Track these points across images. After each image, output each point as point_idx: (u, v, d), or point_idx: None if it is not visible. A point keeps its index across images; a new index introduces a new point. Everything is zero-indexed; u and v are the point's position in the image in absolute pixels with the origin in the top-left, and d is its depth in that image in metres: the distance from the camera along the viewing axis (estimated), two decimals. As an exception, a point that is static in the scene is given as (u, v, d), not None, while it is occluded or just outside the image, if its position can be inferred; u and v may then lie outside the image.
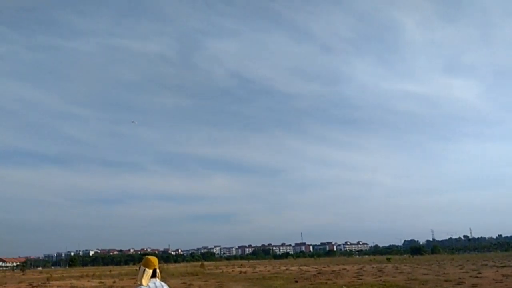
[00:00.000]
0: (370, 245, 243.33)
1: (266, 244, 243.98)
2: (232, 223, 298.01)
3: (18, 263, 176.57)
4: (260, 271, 50.32)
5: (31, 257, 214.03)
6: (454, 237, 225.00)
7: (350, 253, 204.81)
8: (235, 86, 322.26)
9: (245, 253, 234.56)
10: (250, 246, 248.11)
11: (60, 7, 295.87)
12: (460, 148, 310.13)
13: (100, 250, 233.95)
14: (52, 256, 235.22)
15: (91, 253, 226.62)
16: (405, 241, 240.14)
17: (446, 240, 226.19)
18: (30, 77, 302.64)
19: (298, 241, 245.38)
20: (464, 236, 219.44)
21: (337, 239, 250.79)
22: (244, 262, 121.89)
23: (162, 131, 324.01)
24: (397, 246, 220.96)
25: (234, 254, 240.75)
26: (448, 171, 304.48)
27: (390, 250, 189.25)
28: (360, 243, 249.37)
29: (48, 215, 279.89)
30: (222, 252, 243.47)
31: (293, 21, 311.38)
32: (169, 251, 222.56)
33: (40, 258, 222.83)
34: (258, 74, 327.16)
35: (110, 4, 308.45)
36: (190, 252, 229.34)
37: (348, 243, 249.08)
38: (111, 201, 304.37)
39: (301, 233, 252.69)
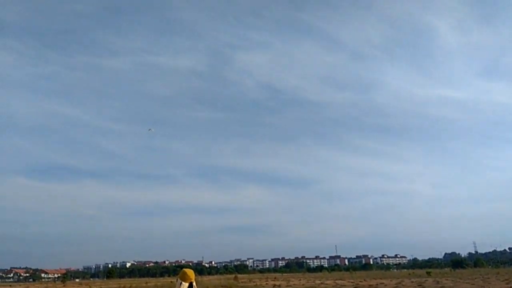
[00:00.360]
0: (408, 258, 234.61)
1: (299, 257, 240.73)
2: (265, 235, 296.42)
3: (59, 275, 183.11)
4: (294, 284, 49.64)
5: (71, 268, 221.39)
6: (498, 249, 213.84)
7: (387, 267, 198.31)
8: (266, 98, 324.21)
9: (278, 266, 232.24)
10: (283, 258, 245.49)
11: (98, 28, 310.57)
12: (502, 154, 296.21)
13: (136, 262, 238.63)
14: (91, 268, 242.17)
15: (128, 265, 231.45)
16: (445, 254, 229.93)
17: (489, 252, 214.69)
18: (71, 95, 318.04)
19: (333, 254, 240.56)
20: (510, 248, 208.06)
21: (373, 252, 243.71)
22: (277, 275, 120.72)
23: (195, 144, 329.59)
24: (437, 259, 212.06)
25: (267, 266, 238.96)
26: (490, 179, 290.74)
27: (429, 264, 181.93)
28: (398, 256, 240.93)
29: (87, 228, 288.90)
30: (255, 265, 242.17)
31: (323, 30, 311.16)
32: (203, 263, 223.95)
33: (80, 270, 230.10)
34: (288, 85, 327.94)
35: (144, 24, 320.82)
36: (223, 264, 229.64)
37: (385, 256, 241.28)
38: (146, 214, 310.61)
39: (336, 245, 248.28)
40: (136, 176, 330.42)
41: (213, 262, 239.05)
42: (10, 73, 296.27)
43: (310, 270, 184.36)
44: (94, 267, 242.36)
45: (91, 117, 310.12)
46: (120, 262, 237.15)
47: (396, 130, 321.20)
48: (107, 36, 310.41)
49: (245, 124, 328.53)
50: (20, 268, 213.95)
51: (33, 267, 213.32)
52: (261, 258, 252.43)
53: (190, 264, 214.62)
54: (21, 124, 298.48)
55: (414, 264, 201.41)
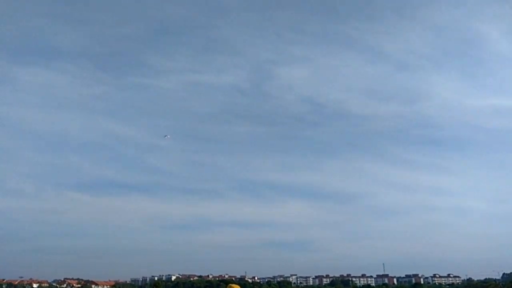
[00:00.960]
0: (462, 278, 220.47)
1: (345, 275, 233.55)
2: (309, 251, 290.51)
3: (108, 286, 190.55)
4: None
5: (120, 281, 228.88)
6: None
7: (439, 287, 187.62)
8: (307, 111, 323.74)
9: (323, 283, 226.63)
10: (327, 276, 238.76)
11: (145, 49, 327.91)
12: None
13: (181, 275, 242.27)
14: (138, 281, 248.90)
15: (173, 278, 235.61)
16: (504, 274, 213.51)
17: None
18: (121, 114, 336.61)
19: (380, 273, 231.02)
20: None
21: (424, 271, 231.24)
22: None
23: (237, 158, 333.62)
24: (495, 280, 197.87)
25: (311, 283, 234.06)
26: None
27: (486, 284, 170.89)
28: (451, 275, 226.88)
29: (135, 241, 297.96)
30: (298, 281, 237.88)
31: (366, 42, 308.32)
32: (246, 278, 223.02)
33: (127, 282, 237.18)
34: (330, 98, 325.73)
35: (188, 44, 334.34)
36: (266, 280, 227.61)
37: (437, 275, 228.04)
38: (191, 227, 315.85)
39: (383, 263, 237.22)
40: (181, 190, 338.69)
41: (256, 278, 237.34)
42: (65, 94, 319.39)
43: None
44: (141, 279, 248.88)
45: (140, 135, 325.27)
46: (166, 275, 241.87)
47: (446, 142, 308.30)
48: (154, 57, 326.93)
49: (286, 138, 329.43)
50: (72, 279, 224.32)
51: (84, 278, 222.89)
52: (304, 275, 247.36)
53: (233, 279, 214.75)
54: (74, 141, 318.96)
55: (469, 284, 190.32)
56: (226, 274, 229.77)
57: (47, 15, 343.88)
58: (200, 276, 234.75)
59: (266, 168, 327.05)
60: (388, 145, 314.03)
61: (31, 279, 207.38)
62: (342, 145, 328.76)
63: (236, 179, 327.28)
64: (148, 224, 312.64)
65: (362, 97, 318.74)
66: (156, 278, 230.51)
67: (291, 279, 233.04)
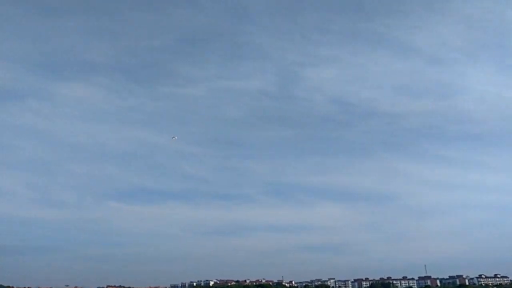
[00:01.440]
0: (510, 278, 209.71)
1: (385, 277, 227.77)
2: (346, 254, 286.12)
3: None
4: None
5: (160, 286, 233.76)
6: None
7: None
8: (337, 112, 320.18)
9: (362, 287, 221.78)
10: (367, 279, 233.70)
11: (175, 59, 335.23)
12: None
13: (218, 281, 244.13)
14: (177, 286, 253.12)
15: (211, 283, 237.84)
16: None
17: None
18: (154, 123, 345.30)
19: (422, 274, 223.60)
20: None
21: (469, 272, 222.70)
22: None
23: (268, 162, 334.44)
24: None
25: (350, 287, 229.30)
26: None
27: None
28: (498, 276, 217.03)
29: (172, 247, 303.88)
30: (337, 285, 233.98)
31: (394, 37, 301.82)
32: (283, 283, 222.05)
33: (167, 287, 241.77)
34: (360, 97, 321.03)
35: (215, 51, 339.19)
36: (303, 284, 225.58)
37: (483, 276, 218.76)
38: (225, 233, 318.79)
39: (425, 265, 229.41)
40: (214, 196, 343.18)
41: (293, 282, 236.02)
42: (102, 107, 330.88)
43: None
44: (180, 285, 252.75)
45: (173, 143, 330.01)
46: (204, 281, 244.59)
47: (485, 136, 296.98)
48: (183, 66, 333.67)
49: (317, 140, 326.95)
50: (114, 286, 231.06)
51: (126, 285, 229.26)
52: (343, 279, 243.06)
53: (270, 283, 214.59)
54: (112, 152, 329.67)
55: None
56: (263, 279, 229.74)
57: (81, 32, 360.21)
58: (237, 281, 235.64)
59: (298, 171, 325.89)
60: (424, 142, 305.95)
61: (76, 287, 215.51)
62: (375, 144, 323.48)
63: (268, 183, 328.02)
64: (184, 231, 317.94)
65: (393, 94, 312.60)
66: (194, 284, 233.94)
67: (329, 283, 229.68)
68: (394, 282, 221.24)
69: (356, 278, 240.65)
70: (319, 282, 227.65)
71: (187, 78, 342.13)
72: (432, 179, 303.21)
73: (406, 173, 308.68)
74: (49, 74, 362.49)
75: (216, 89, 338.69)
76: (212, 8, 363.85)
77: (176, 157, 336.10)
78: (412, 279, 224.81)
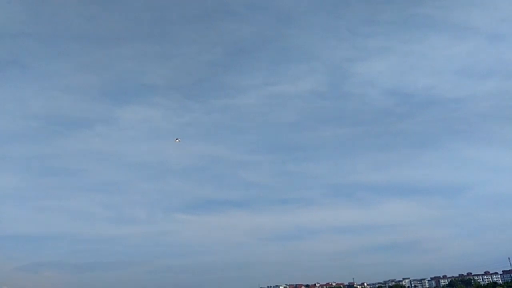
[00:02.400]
0: None
1: (464, 274, 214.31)
2: (419, 252, 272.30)
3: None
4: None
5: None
6: None
7: None
8: (394, 104, 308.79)
9: (440, 285, 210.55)
10: (445, 276, 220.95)
11: (225, 71, 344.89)
12: None
13: (288, 285, 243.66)
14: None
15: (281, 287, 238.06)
16: None
17: None
18: (211, 136, 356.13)
19: (507, 268, 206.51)
20: None
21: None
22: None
23: (327, 163, 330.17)
24: None
25: (427, 286, 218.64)
26: None
27: None
28: None
29: (240, 254, 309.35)
30: (412, 285, 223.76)
31: (449, 19, 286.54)
32: (354, 285, 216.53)
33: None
34: (417, 86, 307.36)
35: (262, 58, 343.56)
36: (376, 285, 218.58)
37: None
38: (290, 237, 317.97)
39: (509, 258, 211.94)
40: (275, 201, 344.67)
41: (365, 284, 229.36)
42: (161, 125, 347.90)
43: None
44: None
45: (231, 153, 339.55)
46: (273, 286, 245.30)
47: None
48: (233, 77, 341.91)
49: (375, 135, 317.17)
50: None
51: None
52: (418, 278, 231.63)
53: (341, 286, 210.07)
54: (174, 167, 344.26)
55: None
56: (333, 282, 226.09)
57: (137, 58, 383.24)
58: (307, 285, 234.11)
59: (358, 169, 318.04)
60: (493, 125, 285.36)
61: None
62: (440, 133, 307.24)
63: (328, 184, 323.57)
64: (249, 237, 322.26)
65: (454, 79, 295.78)
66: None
67: (403, 283, 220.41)
68: (476, 278, 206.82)
69: (432, 276, 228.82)
70: (393, 283, 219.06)
71: (238, 88, 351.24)
72: (507, 164, 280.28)
73: (477, 161, 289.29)
74: (112, 100, 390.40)
75: (267, 95, 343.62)
76: (256, 18, 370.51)
77: (234, 166, 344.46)
78: (496, 273, 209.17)
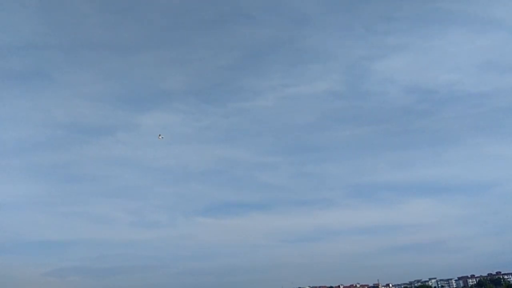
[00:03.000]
0: None
1: (493, 273, 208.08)
2: (445, 252, 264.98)
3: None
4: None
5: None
6: None
7: None
8: (415, 101, 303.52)
9: (468, 285, 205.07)
10: (473, 276, 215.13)
11: (241, 75, 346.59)
12: None
13: (311, 287, 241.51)
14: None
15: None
16: None
17: None
18: (229, 139, 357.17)
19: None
20: None
21: None
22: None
23: (346, 163, 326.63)
24: None
25: (454, 286, 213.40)
26: None
27: None
28: None
29: (261, 257, 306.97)
30: (439, 285, 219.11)
31: (470, 12, 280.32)
32: (379, 286, 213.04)
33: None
34: (438, 82, 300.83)
35: (278, 60, 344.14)
36: (402, 286, 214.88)
37: None
38: (312, 238, 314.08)
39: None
40: (295, 203, 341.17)
41: (390, 285, 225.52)
42: (180, 130, 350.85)
43: None
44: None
45: (249, 155, 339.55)
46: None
47: None
48: (249, 80, 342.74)
49: (396, 133, 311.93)
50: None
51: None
52: (445, 277, 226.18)
53: (366, 287, 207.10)
54: (194, 171, 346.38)
55: None
56: (358, 284, 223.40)
57: (155, 65, 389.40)
58: (330, 287, 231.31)
59: (379, 168, 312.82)
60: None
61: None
62: (463, 130, 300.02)
63: (349, 185, 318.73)
64: (270, 240, 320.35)
65: (477, 73, 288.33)
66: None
67: (430, 283, 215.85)
68: (505, 277, 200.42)
69: (460, 276, 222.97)
70: (419, 283, 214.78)
71: (255, 91, 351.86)
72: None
73: (502, 157, 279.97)
74: (133, 106, 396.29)
75: (284, 97, 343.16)
76: (270, 20, 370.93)
77: (253, 169, 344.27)
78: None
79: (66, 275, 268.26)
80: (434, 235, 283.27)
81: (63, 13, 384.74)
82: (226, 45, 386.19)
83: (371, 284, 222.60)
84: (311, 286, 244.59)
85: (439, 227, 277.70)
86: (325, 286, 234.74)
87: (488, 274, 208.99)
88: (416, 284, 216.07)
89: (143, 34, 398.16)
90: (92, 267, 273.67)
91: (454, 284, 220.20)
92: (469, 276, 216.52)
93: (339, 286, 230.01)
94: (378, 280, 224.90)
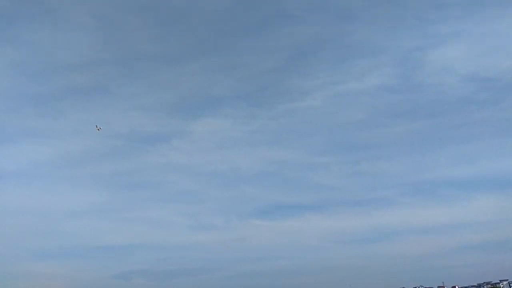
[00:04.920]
0: None
1: None
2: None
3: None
4: None
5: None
6: None
7: None
8: (475, 90, 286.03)
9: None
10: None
11: (287, 76, 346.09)
12: None
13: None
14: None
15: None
16: None
17: None
18: (279, 140, 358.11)
19: None
20: None
21: None
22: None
23: (402, 160, 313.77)
24: None
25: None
26: None
27: None
28: None
29: (316, 259, 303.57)
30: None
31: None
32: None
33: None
34: (501, 68, 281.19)
35: (326, 59, 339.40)
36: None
37: None
38: (370, 239, 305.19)
39: None
40: (349, 203, 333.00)
41: (457, 287, 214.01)
42: (231, 135, 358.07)
43: None
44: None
45: (300, 156, 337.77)
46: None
47: None
48: (296, 80, 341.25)
49: (454, 126, 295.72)
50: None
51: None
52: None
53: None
54: (246, 174, 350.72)
55: None
56: (421, 286, 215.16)
57: (204, 72, 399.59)
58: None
59: (439, 164, 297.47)
60: None
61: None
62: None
63: (406, 182, 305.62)
64: (324, 241, 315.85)
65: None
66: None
67: (501, 285, 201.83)
68: None
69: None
70: (489, 285, 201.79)
71: (302, 91, 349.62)
72: None
73: None
74: (185, 114, 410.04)
75: (332, 95, 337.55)
76: (314, 18, 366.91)
77: (305, 170, 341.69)
78: None
79: (132, 278, 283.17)
80: (504, 233, 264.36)
81: (116, 29, 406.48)
82: (272, 47, 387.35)
83: (435, 286, 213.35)
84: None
85: (508, 224, 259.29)
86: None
87: None
88: (485, 286, 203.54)
89: (190, 43, 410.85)
90: (154, 269, 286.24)
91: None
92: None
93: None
94: (443, 282, 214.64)
